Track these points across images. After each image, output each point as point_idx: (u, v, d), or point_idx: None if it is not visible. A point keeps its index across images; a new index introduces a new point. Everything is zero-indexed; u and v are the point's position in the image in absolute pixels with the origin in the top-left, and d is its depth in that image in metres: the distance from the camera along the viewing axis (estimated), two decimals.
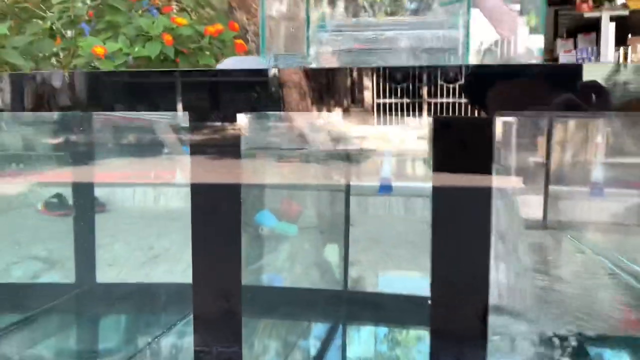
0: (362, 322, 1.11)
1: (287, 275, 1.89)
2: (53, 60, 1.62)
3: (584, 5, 4.92)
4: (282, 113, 0.55)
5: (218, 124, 0.55)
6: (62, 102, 0.60)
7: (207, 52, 1.76)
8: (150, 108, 0.56)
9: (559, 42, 5.14)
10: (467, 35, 0.75)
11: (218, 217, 0.58)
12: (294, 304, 1.16)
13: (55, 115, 1.35)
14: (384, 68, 0.53)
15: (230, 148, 0.56)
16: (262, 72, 0.53)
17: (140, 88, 0.56)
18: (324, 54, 0.84)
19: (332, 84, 0.54)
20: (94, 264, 1.14)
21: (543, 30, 1.04)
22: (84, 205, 1.24)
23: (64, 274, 1.46)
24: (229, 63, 0.97)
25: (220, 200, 0.58)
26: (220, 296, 0.60)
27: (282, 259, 2.16)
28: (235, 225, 0.58)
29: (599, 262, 1.42)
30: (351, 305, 1.17)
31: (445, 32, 0.75)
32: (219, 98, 0.55)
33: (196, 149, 0.55)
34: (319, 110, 0.54)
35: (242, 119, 0.55)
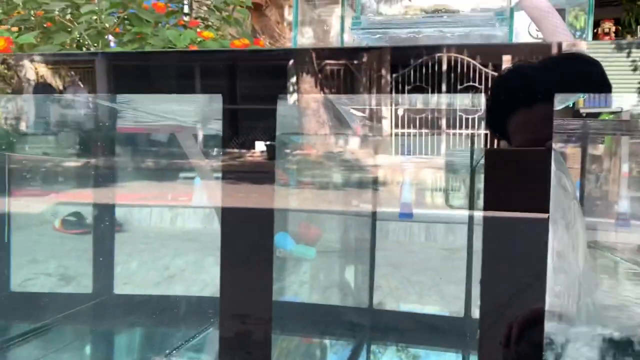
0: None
1: (305, 297, 1.84)
2: None
3: (605, 38, 4.91)
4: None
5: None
6: (94, 84, 0.57)
7: None
8: (184, 90, 0.53)
9: None
10: (510, 33, 0.72)
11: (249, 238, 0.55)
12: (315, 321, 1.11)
13: (76, 136, 1.34)
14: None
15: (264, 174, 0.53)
16: (303, 52, 0.50)
17: (174, 70, 0.53)
18: None
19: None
20: (112, 277, 1.11)
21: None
22: (103, 222, 1.22)
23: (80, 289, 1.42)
24: None
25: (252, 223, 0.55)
26: (249, 320, 0.56)
27: (299, 281, 2.11)
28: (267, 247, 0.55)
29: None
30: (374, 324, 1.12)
31: (487, 30, 0.71)
32: (256, 80, 0.52)
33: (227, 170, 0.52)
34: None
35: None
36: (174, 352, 0.93)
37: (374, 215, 1.29)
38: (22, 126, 1.25)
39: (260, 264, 0.55)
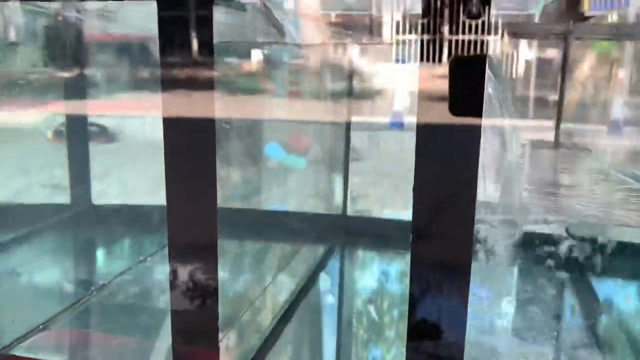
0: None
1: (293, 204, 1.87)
2: None
3: None
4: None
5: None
6: None
7: None
8: None
9: None
10: None
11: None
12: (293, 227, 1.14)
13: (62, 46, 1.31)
14: None
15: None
16: None
17: None
18: None
19: None
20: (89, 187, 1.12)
21: None
22: (81, 133, 1.21)
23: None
24: None
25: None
26: (196, 224, 0.57)
27: (289, 190, 2.13)
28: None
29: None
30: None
31: None
32: None
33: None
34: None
35: None
36: (148, 257, 0.97)
37: (347, 125, 1.29)
38: (8, 36, 1.23)
39: (204, 176, 0.56)
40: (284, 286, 0.93)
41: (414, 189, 0.49)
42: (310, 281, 0.95)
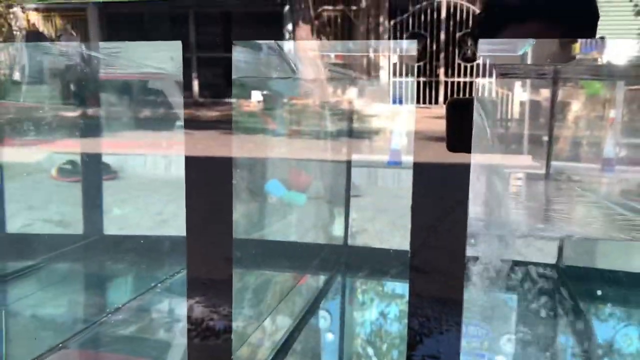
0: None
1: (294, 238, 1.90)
2: None
3: None
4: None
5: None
6: (67, 34, 0.61)
7: None
8: (144, 38, 0.57)
9: None
10: None
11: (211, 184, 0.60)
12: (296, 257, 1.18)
13: (70, 85, 1.37)
14: None
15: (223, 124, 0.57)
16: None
17: (135, 18, 0.57)
18: None
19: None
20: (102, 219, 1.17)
21: None
22: (94, 170, 1.27)
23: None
24: None
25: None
26: (213, 256, 0.62)
27: (289, 225, 2.17)
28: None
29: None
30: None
31: None
32: (214, 27, 0.56)
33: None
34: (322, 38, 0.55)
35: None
36: (159, 285, 1.01)
37: (348, 163, 1.35)
38: (14, 75, 1.28)
39: (222, 209, 0.60)
40: (289, 310, 0.97)
41: (411, 220, 0.54)
42: (313, 306, 0.99)
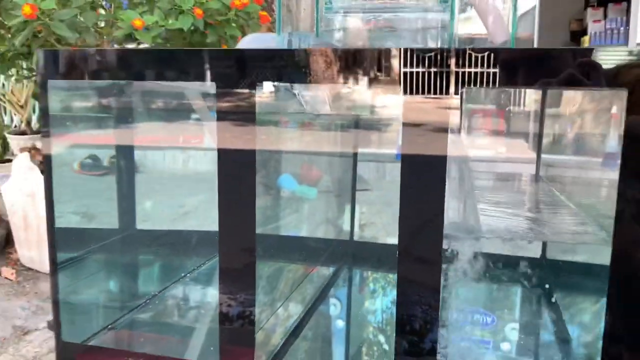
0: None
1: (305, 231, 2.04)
2: (93, 30, 1.78)
3: None
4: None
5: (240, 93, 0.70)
6: (115, 74, 0.76)
7: (234, 24, 1.90)
8: (185, 79, 0.72)
9: (590, 11, 5.10)
10: (452, 18, 0.88)
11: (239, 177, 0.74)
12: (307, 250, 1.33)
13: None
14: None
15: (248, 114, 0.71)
16: (273, 52, 0.68)
17: (177, 62, 0.71)
18: (330, 32, 0.98)
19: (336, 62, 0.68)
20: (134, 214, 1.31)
21: None
22: (124, 164, 1.40)
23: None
24: (248, 39, 1.11)
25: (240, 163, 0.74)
26: (238, 243, 0.76)
27: (301, 218, 2.31)
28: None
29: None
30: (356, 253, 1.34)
31: (435, 15, 0.88)
32: (241, 72, 0.70)
33: (221, 116, 0.71)
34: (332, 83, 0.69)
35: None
36: (188, 275, 1.16)
37: (355, 157, 1.48)
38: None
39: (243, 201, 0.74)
40: (301, 298, 1.12)
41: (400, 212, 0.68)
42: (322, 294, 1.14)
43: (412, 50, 0.68)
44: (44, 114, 0.81)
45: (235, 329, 0.78)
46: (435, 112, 0.67)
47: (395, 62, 0.69)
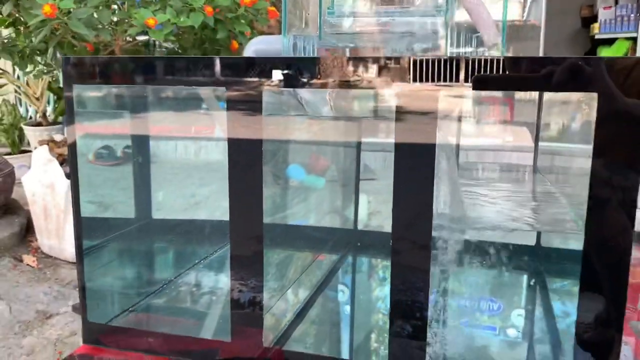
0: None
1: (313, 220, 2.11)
2: (109, 29, 1.85)
3: None
4: None
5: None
6: (133, 79, 0.83)
7: (243, 20, 1.96)
8: (197, 84, 0.79)
9: None
10: (446, 22, 0.94)
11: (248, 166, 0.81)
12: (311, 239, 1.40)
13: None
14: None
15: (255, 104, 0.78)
16: (277, 59, 0.75)
17: (189, 68, 0.79)
18: (334, 36, 1.05)
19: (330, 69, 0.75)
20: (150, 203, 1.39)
21: None
22: (138, 154, 1.46)
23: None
24: (255, 42, 1.17)
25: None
26: (248, 232, 0.83)
27: (309, 207, 2.39)
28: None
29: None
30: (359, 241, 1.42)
31: (431, 19, 0.94)
32: (249, 77, 0.77)
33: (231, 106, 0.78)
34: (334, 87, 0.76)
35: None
36: (201, 261, 1.24)
37: (358, 146, 1.54)
38: None
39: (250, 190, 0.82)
40: (305, 284, 1.20)
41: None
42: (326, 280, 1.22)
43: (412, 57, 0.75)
44: (69, 118, 0.89)
45: (245, 312, 0.86)
46: (427, 101, 0.74)
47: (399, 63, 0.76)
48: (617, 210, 0.65)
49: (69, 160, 0.97)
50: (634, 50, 4.83)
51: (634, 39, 4.79)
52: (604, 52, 4.92)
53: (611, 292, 0.68)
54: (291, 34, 1.04)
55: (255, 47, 1.10)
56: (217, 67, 0.79)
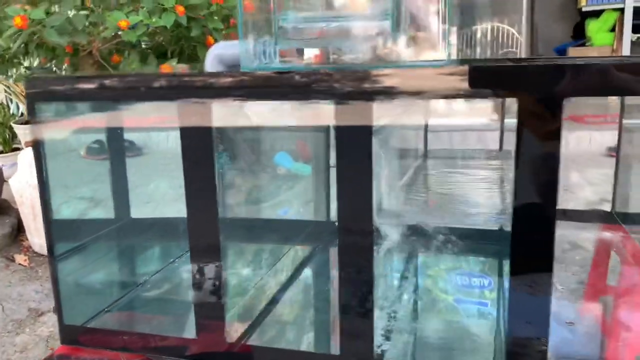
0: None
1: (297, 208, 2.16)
2: (85, 32, 1.88)
3: None
4: None
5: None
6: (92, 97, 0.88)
7: (216, 17, 1.99)
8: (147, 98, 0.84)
9: None
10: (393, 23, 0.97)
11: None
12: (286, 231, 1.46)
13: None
14: None
15: None
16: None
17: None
18: (290, 41, 1.08)
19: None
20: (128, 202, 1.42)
21: None
22: (118, 149, 1.50)
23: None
24: (218, 47, 1.21)
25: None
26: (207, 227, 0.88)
27: (294, 195, 2.43)
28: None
29: None
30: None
31: (379, 23, 0.98)
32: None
33: None
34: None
35: None
36: (177, 260, 1.29)
37: (327, 130, 1.54)
38: None
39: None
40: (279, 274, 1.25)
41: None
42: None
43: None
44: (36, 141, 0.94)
45: (207, 308, 0.91)
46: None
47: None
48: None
49: (35, 161, 1.00)
50: (621, 21, 4.82)
51: (622, 10, 4.78)
52: (592, 24, 4.91)
53: None
54: (250, 38, 1.08)
55: (216, 52, 1.13)
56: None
